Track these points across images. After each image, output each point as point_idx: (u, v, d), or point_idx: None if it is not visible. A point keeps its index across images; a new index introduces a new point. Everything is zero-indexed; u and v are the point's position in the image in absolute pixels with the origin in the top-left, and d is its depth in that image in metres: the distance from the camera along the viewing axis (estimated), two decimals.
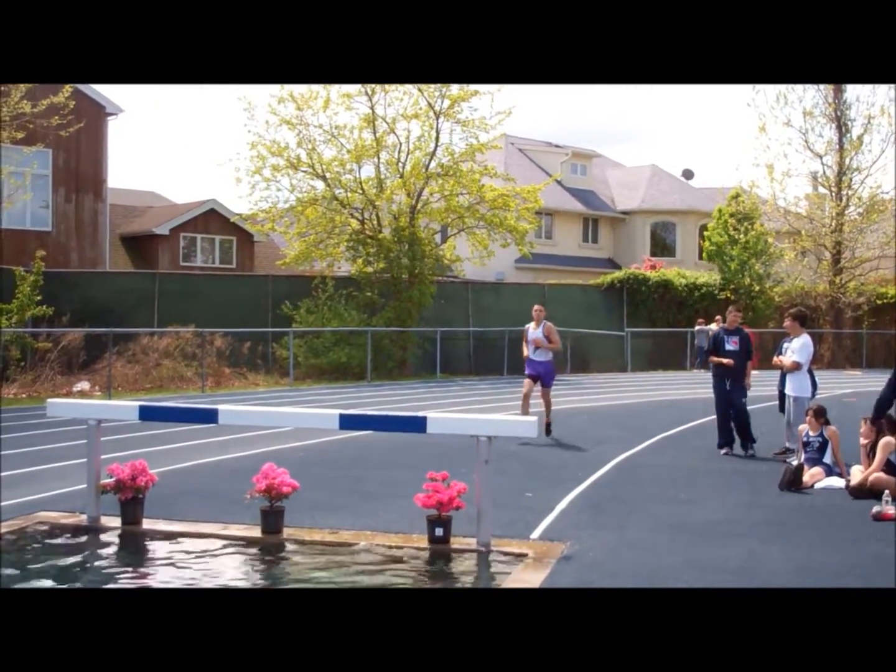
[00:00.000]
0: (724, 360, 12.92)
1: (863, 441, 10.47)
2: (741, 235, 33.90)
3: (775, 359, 12.85)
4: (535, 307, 14.54)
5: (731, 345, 12.97)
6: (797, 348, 12.32)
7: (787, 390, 12.46)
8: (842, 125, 34.19)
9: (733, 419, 12.95)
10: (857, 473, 10.23)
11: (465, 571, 7.08)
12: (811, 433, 11.05)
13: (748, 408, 12.99)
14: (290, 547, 7.61)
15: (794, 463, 10.83)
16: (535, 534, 8.05)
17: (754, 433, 12.97)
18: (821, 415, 11.09)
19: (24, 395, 19.34)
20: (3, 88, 19.09)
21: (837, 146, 34.19)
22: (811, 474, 10.55)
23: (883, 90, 35.29)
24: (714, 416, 13.24)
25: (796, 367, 12.25)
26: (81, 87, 25.34)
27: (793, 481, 10.27)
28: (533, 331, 14.16)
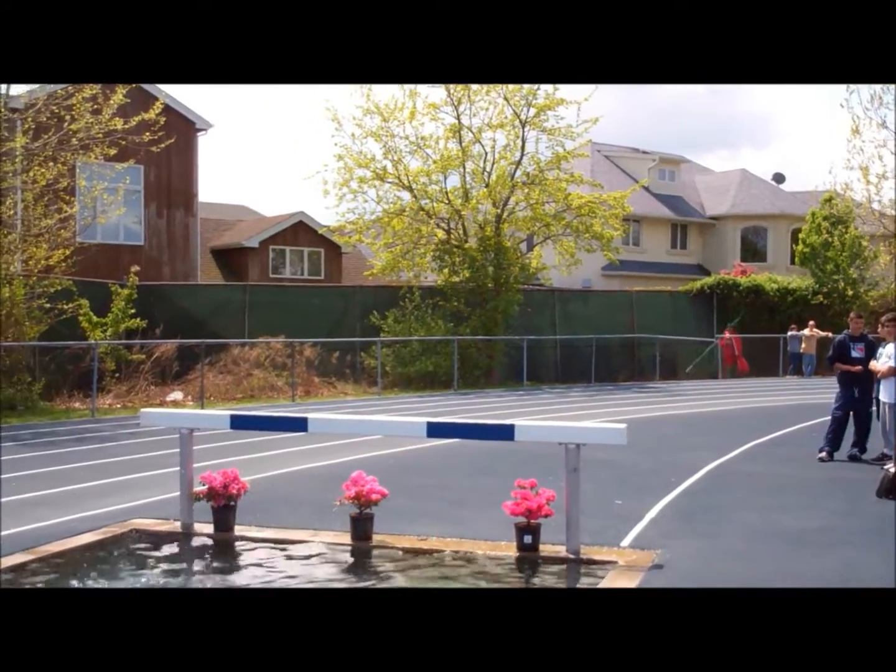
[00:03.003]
0: (853, 368, 12.66)
1: None
2: (835, 239, 33.17)
3: (871, 364, 12.52)
4: None
5: (858, 352, 12.71)
6: (893, 353, 12.01)
7: (882, 396, 12.16)
8: None
9: (858, 426, 12.72)
10: None
11: (554, 579, 7.02)
12: None
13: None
14: (377, 553, 7.62)
15: (892, 470, 10.51)
16: (626, 542, 7.94)
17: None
18: None
19: (118, 406, 19.76)
20: (96, 106, 19.52)
21: None
22: None
23: None
24: (811, 422, 12.93)
25: (892, 372, 11.94)
26: (171, 103, 25.86)
27: (891, 489, 9.95)
28: None
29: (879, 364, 12.18)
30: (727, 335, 30.48)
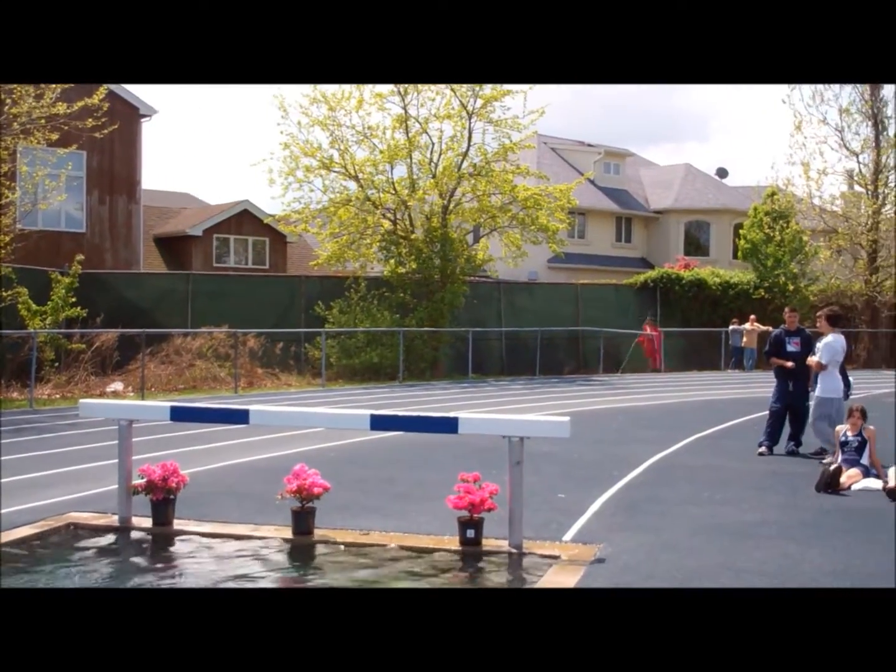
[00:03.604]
0: (787, 363, 12.80)
1: None
2: (776, 234, 33.61)
3: (809, 359, 12.67)
4: None
5: (793, 346, 12.87)
6: (822, 348, 12.18)
7: (816, 391, 12.32)
8: (878, 122, 33.83)
9: (792, 419, 12.86)
10: (894, 475, 10.05)
11: (496, 574, 7.01)
12: (850, 433, 10.86)
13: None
14: (320, 548, 7.56)
15: (832, 465, 10.64)
16: (568, 536, 7.96)
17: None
18: (864, 415, 10.91)
19: (57, 396, 19.45)
20: (38, 90, 19.19)
21: (874, 144, 33.84)
22: (848, 475, 10.36)
23: None
24: (753, 416, 13.06)
25: (820, 367, 12.11)
26: (115, 88, 25.48)
27: (830, 483, 10.10)
28: None
29: (813, 359, 12.35)
30: (647, 330, 30.63)
